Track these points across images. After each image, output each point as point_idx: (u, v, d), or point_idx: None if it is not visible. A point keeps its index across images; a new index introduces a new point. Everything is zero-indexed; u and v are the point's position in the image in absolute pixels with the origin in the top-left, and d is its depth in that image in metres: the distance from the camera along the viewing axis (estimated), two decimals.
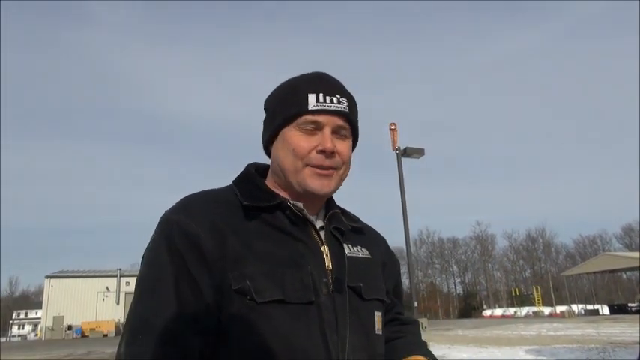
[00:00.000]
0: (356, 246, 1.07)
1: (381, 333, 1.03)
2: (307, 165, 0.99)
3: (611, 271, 52.54)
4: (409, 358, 1.05)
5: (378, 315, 1.02)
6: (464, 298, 77.38)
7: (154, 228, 0.95)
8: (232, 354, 0.86)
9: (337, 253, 1.00)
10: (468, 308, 70.23)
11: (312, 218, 1.01)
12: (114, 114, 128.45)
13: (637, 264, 45.83)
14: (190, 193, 1.01)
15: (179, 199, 0.99)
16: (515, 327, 27.93)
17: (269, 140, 1.05)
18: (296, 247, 0.95)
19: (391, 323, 1.16)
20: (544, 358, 11.65)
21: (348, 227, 1.08)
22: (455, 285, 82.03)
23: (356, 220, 1.16)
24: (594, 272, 51.24)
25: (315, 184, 0.99)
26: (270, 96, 1.09)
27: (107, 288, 52.09)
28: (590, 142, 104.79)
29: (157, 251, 0.91)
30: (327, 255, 0.98)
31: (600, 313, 45.75)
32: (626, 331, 19.43)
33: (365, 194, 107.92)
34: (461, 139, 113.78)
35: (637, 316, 33.61)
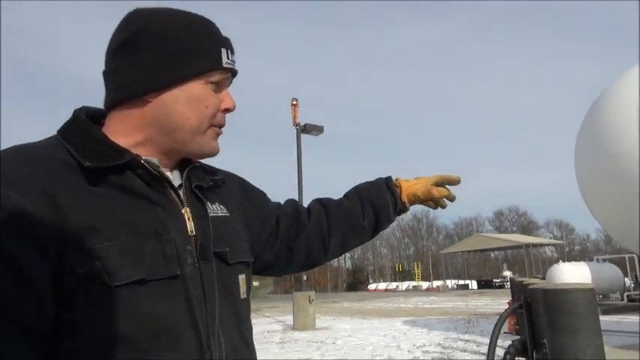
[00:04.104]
0: (214, 203, 0.96)
1: (245, 296, 0.96)
2: (212, 125, 0.90)
3: (482, 251, 58.39)
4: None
5: (242, 278, 0.95)
6: (352, 273, 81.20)
7: None
8: (83, 349, 0.72)
9: (200, 215, 0.89)
10: (355, 282, 73.83)
11: (169, 176, 0.89)
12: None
13: (504, 245, 51.36)
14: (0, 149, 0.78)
15: None
16: (396, 300, 29.93)
17: (160, 87, 0.85)
18: (154, 213, 0.82)
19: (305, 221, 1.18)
20: (418, 328, 12.65)
21: (209, 183, 0.96)
22: (345, 260, 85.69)
23: (214, 171, 1.04)
24: (468, 251, 56.55)
25: (215, 145, 0.92)
26: (158, 30, 0.86)
27: None
28: (475, 133, 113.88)
29: None
30: (188, 219, 0.87)
31: (470, 287, 50.64)
32: (489, 304, 21.73)
33: (264, 170, 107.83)
34: (359, 120, 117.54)
35: (499, 290, 37.86)
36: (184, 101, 0.86)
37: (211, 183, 0.97)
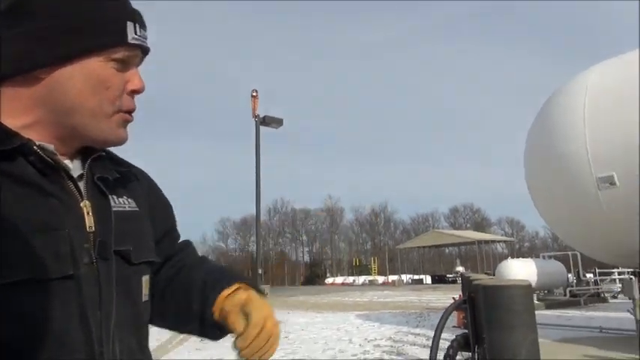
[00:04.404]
0: (121, 197, 0.87)
1: (147, 299, 0.88)
2: (119, 110, 0.81)
3: (437, 246, 59.83)
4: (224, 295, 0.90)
5: (145, 279, 0.87)
6: (310, 267, 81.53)
7: None
8: None
9: (101, 210, 0.80)
10: (313, 276, 74.13)
11: (67, 165, 0.79)
12: None
13: (458, 241, 52.84)
14: None
15: None
16: (352, 294, 30.23)
17: (52, 62, 0.75)
18: (48, 205, 0.73)
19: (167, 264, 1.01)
20: (371, 322, 12.79)
21: (115, 175, 0.86)
22: (303, 254, 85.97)
23: (121, 162, 0.94)
24: (423, 246, 57.83)
25: (122, 133, 0.83)
26: None
27: None
28: (433, 131, 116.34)
29: None
30: (88, 213, 0.78)
31: (424, 282, 51.77)
32: (441, 298, 22.26)
33: (223, 160, 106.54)
34: (321, 116, 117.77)
35: (452, 285, 38.97)
36: (81, 80, 0.77)
37: (118, 175, 0.87)
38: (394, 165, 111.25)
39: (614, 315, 12.37)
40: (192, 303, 0.93)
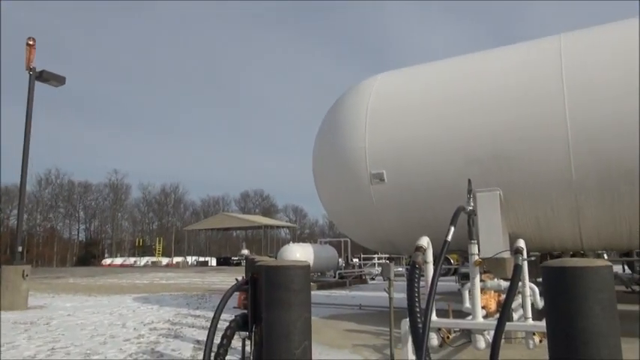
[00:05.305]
0: None
1: None
2: None
3: (225, 229, 60.52)
4: None
5: None
6: (85, 246, 73.94)
7: None
8: None
9: None
10: (89, 256, 67.49)
11: None
12: None
13: (246, 224, 54.31)
14: None
15: None
16: (132, 276, 28.47)
17: None
18: None
19: None
20: (149, 304, 12.20)
21: None
22: (78, 232, 77.41)
23: None
24: (211, 229, 57.83)
25: None
26: None
27: None
28: (232, 118, 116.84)
29: None
30: None
31: (209, 264, 51.87)
32: (224, 280, 22.59)
33: None
34: (113, 82, 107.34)
35: (237, 267, 40.00)
36: None
37: None
38: (190, 145, 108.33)
39: (372, 294, 14.31)
40: None
